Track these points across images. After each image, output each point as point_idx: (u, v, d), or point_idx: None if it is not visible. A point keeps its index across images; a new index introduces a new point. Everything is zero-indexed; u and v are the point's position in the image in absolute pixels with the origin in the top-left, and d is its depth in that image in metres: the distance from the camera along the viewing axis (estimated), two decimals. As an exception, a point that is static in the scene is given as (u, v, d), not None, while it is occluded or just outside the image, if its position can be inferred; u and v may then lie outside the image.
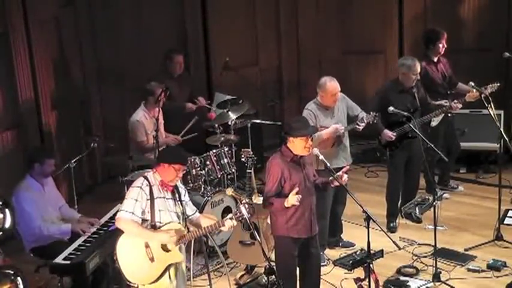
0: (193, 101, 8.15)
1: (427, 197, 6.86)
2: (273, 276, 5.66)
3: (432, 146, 6.32)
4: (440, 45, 7.50)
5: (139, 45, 8.67)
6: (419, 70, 6.86)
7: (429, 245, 6.54)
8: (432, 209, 6.07)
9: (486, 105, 6.58)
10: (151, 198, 4.93)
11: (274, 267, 5.21)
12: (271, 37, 9.66)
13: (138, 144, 7.22)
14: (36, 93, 7.58)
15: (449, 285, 5.98)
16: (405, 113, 6.65)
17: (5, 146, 7.24)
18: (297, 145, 5.18)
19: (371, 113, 6.46)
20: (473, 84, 6.79)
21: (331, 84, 6.29)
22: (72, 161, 6.58)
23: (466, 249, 6.60)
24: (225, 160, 7.03)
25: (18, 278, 4.33)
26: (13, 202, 5.62)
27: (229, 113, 7.44)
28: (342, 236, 6.86)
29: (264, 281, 6.18)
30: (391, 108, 6.62)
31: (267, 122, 8.44)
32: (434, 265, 6.06)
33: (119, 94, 8.59)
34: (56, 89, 7.96)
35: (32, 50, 7.47)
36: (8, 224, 4.84)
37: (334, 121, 6.38)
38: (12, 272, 4.36)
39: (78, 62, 8.38)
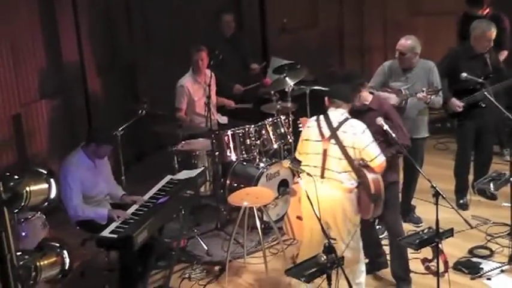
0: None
1: (503, 172, 6.44)
2: (332, 255, 5.35)
3: (509, 115, 5.91)
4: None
5: (189, 6, 8.45)
6: (494, 36, 6.41)
7: (505, 224, 6.20)
8: (509, 184, 5.74)
9: None
10: None
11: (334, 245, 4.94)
12: (332, -4, 9.45)
13: (175, 110, 7.02)
14: (81, 57, 7.50)
15: (527, 269, 5.68)
16: (479, 80, 6.28)
17: (49, 113, 7.20)
18: None
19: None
20: None
21: (400, 40, 6.13)
22: (119, 129, 6.37)
23: (546, 229, 6.23)
24: (282, 130, 6.81)
25: (64, 251, 4.23)
26: (60, 173, 5.58)
27: (286, 79, 7.17)
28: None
29: (322, 259, 5.83)
30: (464, 75, 6.24)
31: (327, 89, 8.09)
32: (510, 246, 5.77)
33: (167, 58, 8.34)
34: (102, 53, 7.88)
35: (77, 12, 7.36)
36: (53, 194, 4.73)
37: (405, 85, 6.02)
38: (58, 245, 4.26)
39: (125, 25, 8.26)
